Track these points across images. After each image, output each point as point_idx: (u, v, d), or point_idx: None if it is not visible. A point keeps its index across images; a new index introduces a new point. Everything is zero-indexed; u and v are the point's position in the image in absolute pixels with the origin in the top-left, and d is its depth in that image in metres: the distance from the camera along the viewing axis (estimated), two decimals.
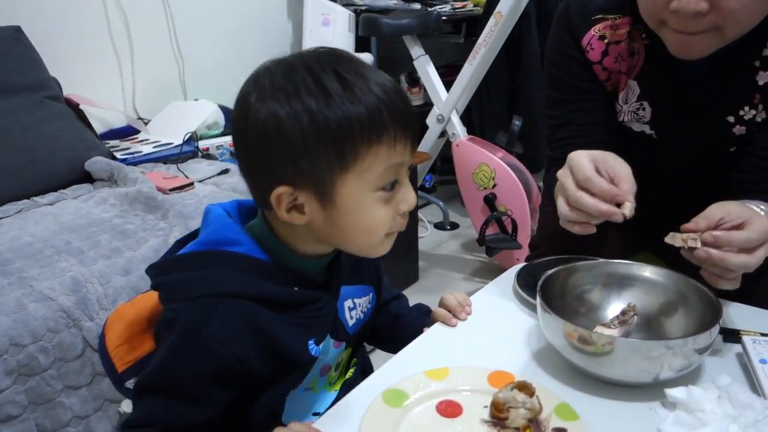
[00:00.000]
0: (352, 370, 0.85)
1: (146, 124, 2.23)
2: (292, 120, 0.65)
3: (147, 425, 0.70)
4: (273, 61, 0.70)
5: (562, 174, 0.87)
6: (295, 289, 0.73)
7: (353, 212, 0.69)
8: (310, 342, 0.74)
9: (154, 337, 0.76)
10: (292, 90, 0.66)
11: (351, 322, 0.81)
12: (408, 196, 0.72)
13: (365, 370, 0.89)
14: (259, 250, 0.73)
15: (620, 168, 0.85)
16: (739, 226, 0.80)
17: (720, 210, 0.81)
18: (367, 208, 0.69)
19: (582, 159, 0.85)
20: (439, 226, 2.85)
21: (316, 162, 0.66)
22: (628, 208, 0.82)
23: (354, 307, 0.82)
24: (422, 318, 0.93)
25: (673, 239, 0.81)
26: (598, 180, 0.83)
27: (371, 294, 0.86)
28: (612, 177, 0.84)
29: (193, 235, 0.78)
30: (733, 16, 0.84)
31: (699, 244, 0.79)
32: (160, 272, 0.74)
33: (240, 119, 0.69)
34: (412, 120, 0.71)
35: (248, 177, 0.72)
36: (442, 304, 0.91)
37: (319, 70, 0.66)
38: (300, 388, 0.77)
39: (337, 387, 0.83)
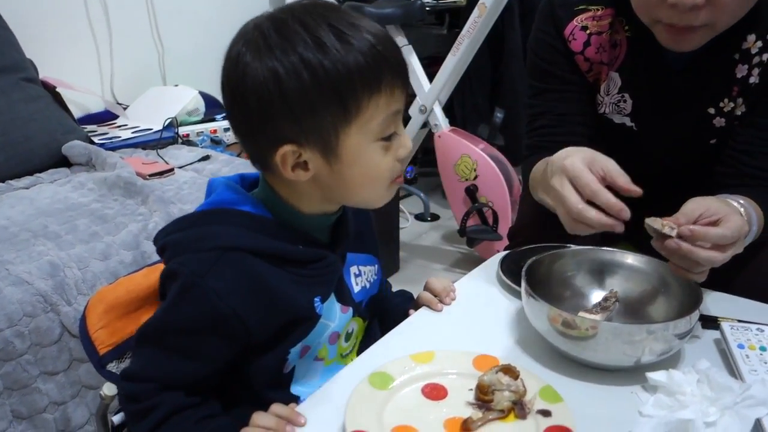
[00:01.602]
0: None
1: (125, 109, 2.19)
2: (293, 77, 0.65)
3: (144, 379, 0.70)
4: (261, 18, 0.69)
5: (559, 183, 0.85)
6: (300, 247, 0.73)
7: (357, 164, 0.70)
8: (316, 299, 0.74)
9: (160, 293, 0.75)
10: (288, 46, 0.65)
11: (357, 289, 0.82)
12: (404, 142, 0.73)
13: None
14: (264, 209, 0.73)
15: (609, 164, 0.84)
16: (715, 223, 0.80)
17: (699, 206, 0.82)
18: (371, 159, 0.71)
19: (580, 168, 0.83)
20: (420, 217, 2.86)
21: (320, 118, 0.67)
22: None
23: (360, 274, 0.83)
24: (406, 303, 0.93)
25: (654, 221, 0.82)
26: (605, 194, 0.81)
27: (376, 265, 0.87)
28: (604, 175, 0.83)
29: None
30: (726, 8, 0.86)
31: (675, 234, 0.80)
32: (166, 234, 0.74)
33: (237, 81, 0.68)
34: (405, 66, 0.72)
35: (248, 139, 0.72)
36: (427, 289, 0.91)
37: (312, 23, 0.66)
38: (309, 356, 0.76)
39: (350, 361, 0.82)
